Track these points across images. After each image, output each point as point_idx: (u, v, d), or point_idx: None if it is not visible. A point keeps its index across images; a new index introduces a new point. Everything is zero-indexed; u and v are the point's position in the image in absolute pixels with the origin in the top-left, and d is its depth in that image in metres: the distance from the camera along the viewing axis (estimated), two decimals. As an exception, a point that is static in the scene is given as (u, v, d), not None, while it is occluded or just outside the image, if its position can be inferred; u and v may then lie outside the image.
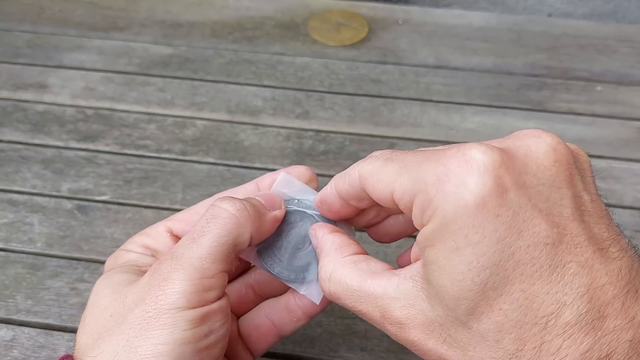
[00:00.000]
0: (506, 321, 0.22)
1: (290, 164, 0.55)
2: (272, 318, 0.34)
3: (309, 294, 0.32)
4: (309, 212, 0.33)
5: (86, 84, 0.64)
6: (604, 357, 0.21)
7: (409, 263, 0.27)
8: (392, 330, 0.26)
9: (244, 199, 0.30)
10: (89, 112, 0.61)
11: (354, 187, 0.29)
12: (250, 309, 0.35)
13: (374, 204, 0.29)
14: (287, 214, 0.33)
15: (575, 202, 0.23)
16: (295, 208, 0.33)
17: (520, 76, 0.66)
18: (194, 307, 0.27)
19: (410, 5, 0.79)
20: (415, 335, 0.25)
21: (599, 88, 0.65)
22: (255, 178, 0.54)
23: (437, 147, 0.26)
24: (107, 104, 0.62)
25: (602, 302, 0.21)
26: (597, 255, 0.22)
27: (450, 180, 0.22)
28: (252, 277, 0.35)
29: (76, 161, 0.56)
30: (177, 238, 0.32)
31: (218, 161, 0.56)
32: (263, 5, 0.76)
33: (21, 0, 0.75)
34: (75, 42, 0.69)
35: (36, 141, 0.58)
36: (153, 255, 0.32)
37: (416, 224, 0.25)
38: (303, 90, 0.64)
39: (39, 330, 0.43)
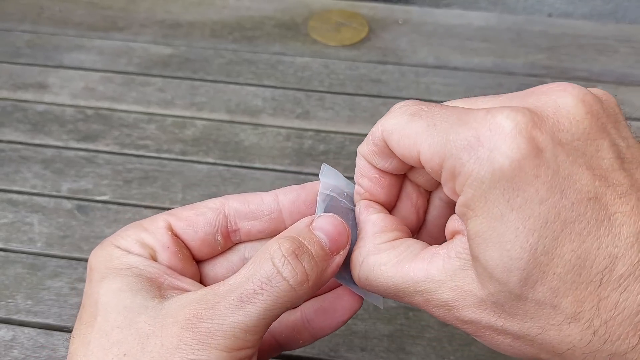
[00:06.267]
0: (561, 285, 0.21)
1: (290, 164, 0.56)
2: (275, 335, 0.31)
3: (373, 299, 0.29)
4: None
5: (86, 84, 0.64)
6: None
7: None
8: (438, 312, 0.25)
9: (306, 246, 0.26)
10: (89, 112, 0.61)
11: (378, 146, 0.26)
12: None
13: (404, 165, 0.27)
14: (341, 210, 0.29)
15: (613, 151, 0.22)
16: (345, 202, 0.30)
17: (520, 76, 0.66)
18: None
19: (410, 5, 0.79)
20: (465, 315, 0.24)
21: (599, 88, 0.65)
22: (255, 178, 0.54)
23: (467, 107, 0.25)
24: (107, 104, 0.62)
25: None
26: None
27: (482, 144, 0.21)
28: None
29: (76, 161, 0.56)
30: (177, 238, 0.29)
31: (218, 161, 0.56)
32: (263, 5, 0.76)
33: (21, 0, 0.75)
34: (75, 42, 0.69)
35: (36, 141, 0.58)
36: (152, 257, 0.28)
37: (446, 190, 0.24)
38: (303, 90, 0.64)
39: (39, 330, 0.43)
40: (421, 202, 0.29)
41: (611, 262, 0.21)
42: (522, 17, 0.75)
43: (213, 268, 0.31)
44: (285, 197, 0.30)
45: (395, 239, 0.27)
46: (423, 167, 0.25)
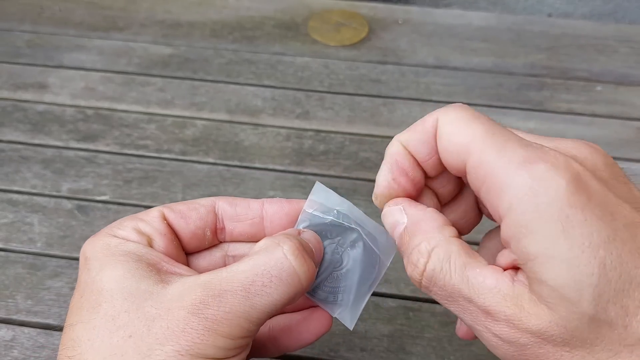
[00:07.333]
0: (630, 303, 0.21)
1: (290, 164, 0.56)
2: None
3: (342, 318, 0.30)
4: (350, 225, 0.30)
5: (86, 84, 0.64)
6: None
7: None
8: (494, 327, 0.23)
9: (304, 248, 0.27)
10: (89, 112, 0.61)
11: (427, 133, 0.26)
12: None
13: (442, 169, 0.26)
14: (323, 227, 0.30)
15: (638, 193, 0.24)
16: (333, 219, 0.30)
17: (520, 76, 0.66)
18: (227, 358, 0.25)
19: (410, 5, 0.79)
20: (527, 338, 0.23)
21: (598, 88, 0.65)
22: (255, 178, 0.54)
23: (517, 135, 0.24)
24: (107, 104, 0.62)
25: None
26: None
27: (539, 163, 0.22)
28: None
29: (76, 161, 0.56)
30: (170, 228, 0.30)
31: (218, 161, 0.56)
32: (263, 5, 0.76)
33: (21, 0, 0.75)
34: (75, 42, 0.69)
35: (36, 141, 0.58)
36: (149, 244, 0.29)
37: (487, 203, 0.23)
38: (303, 90, 0.64)
39: (39, 330, 0.43)
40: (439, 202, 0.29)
41: None
42: (522, 17, 0.75)
43: (195, 260, 0.32)
44: (270, 207, 0.31)
45: (458, 236, 0.26)
46: (462, 173, 0.24)
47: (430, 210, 0.27)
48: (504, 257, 0.24)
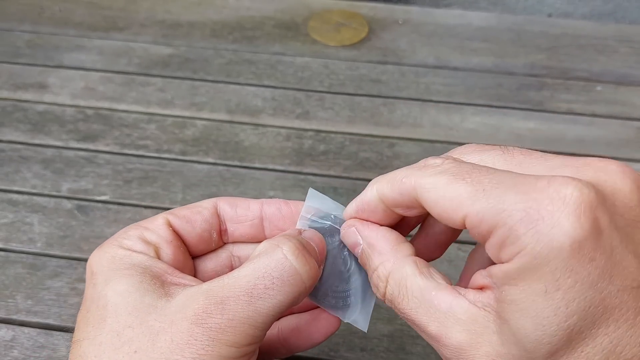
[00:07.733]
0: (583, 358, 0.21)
1: (290, 164, 0.56)
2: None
3: (355, 321, 0.29)
4: None
5: (86, 84, 0.64)
6: None
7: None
8: (446, 353, 0.24)
9: (305, 247, 0.27)
10: (89, 112, 0.61)
11: (405, 196, 0.25)
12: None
13: (423, 213, 0.26)
14: (323, 232, 0.30)
15: None
16: (332, 225, 0.30)
17: (520, 76, 0.66)
18: None
19: (410, 5, 0.79)
20: None
21: (598, 88, 0.65)
22: (255, 178, 0.54)
23: (516, 171, 0.23)
24: (107, 104, 0.62)
25: None
26: None
27: (543, 219, 0.20)
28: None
29: (76, 161, 0.56)
30: (176, 235, 0.30)
31: (218, 161, 0.56)
32: (263, 5, 0.76)
33: (21, 0, 0.75)
34: (75, 42, 0.69)
35: (36, 141, 0.58)
36: (156, 253, 0.29)
37: (491, 254, 0.23)
38: (303, 90, 0.64)
39: (39, 330, 0.43)
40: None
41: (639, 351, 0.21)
42: (522, 17, 0.75)
43: (203, 263, 0.32)
44: (269, 208, 0.31)
45: (413, 254, 0.26)
46: (462, 227, 0.24)
47: (383, 230, 0.27)
48: (483, 280, 0.24)
